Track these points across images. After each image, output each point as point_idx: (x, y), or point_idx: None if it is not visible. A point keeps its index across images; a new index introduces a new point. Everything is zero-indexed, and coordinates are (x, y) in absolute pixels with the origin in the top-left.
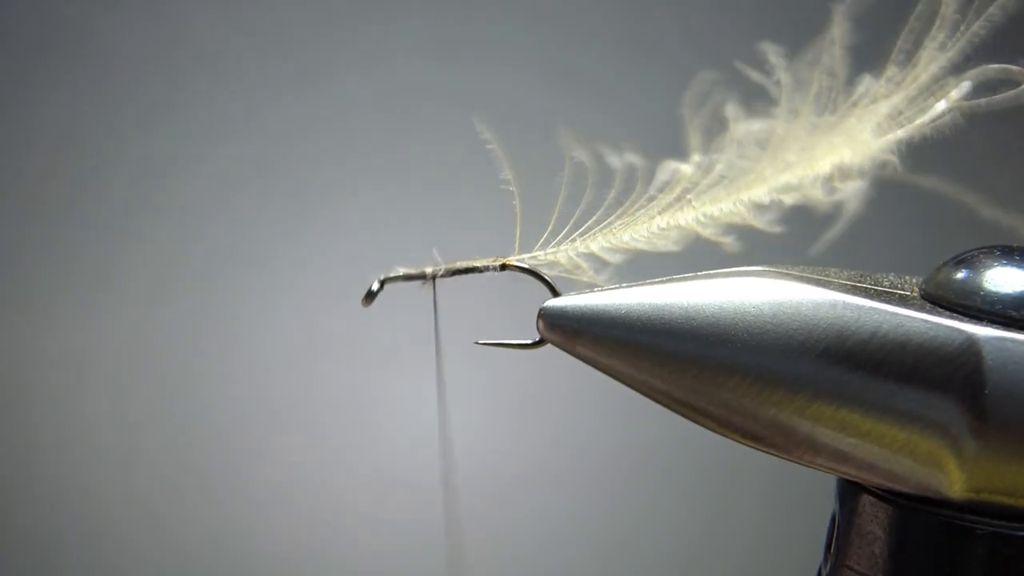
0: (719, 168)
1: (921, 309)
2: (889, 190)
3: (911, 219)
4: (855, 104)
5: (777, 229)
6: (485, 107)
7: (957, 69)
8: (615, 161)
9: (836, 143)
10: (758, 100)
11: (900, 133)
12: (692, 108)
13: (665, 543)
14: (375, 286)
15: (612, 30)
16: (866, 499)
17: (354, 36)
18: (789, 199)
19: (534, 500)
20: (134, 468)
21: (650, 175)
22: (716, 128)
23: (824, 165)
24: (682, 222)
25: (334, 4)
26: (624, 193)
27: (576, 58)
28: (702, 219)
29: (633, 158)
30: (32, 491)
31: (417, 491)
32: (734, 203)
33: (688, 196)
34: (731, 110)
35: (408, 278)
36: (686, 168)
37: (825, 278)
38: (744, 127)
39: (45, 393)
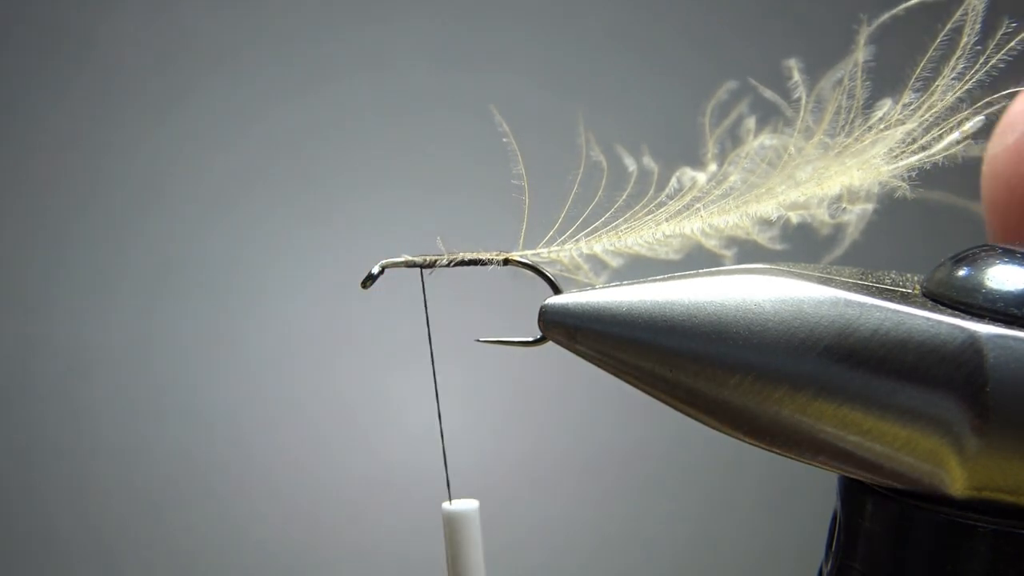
0: (732, 179)
1: (923, 307)
2: (891, 189)
3: (912, 217)
4: (870, 128)
5: (779, 246)
6: (488, 109)
7: (974, 99)
8: (631, 163)
9: (848, 165)
10: (774, 115)
11: (912, 160)
12: (711, 118)
13: (666, 541)
14: (375, 270)
15: (620, 35)
16: (868, 497)
17: (362, 39)
18: (796, 217)
19: (534, 496)
20: (134, 464)
21: (663, 181)
22: (731, 140)
23: (834, 186)
24: (687, 231)
25: (340, 8)
26: (635, 197)
27: (581, 62)
28: (707, 230)
29: (649, 162)
30: (33, 486)
31: (415, 487)
32: (741, 216)
33: (697, 206)
34: (750, 124)
35: (409, 264)
36: (701, 177)
37: (827, 276)
38: (759, 142)
39: (47, 389)
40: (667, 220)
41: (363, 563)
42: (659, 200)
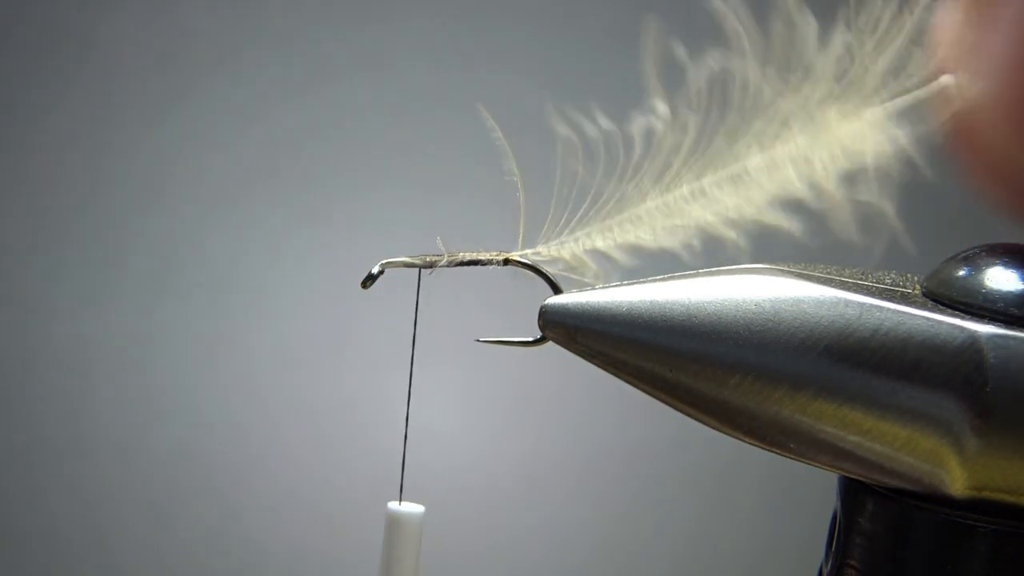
0: (692, 122)
1: (923, 307)
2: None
3: (912, 217)
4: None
5: (791, 226)
6: (487, 109)
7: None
8: (591, 129)
9: (829, 117)
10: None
11: (904, 100)
12: (649, 56)
13: (665, 542)
14: (376, 269)
15: (621, 35)
16: (868, 497)
17: (362, 39)
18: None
19: (533, 497)
20: (134, 464)
21: (630, 141)
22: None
23: (825, 140)
24: (689, 222)
25: (340, 9)
26: (613, 169)
27: (581, 62)
28: (710, 218)
29: (606, 121)
30: (33, 485)
31: (415, 487)
32: (740, 200)
33: (675, 165)
34: (680, 52)
35: (409, 264)
36: (654, 120)
37: (826, 275)
38: (707, 66)
39: (47, 390)
40: (655, 187)
41: (365, 562)
42: (635, 163)
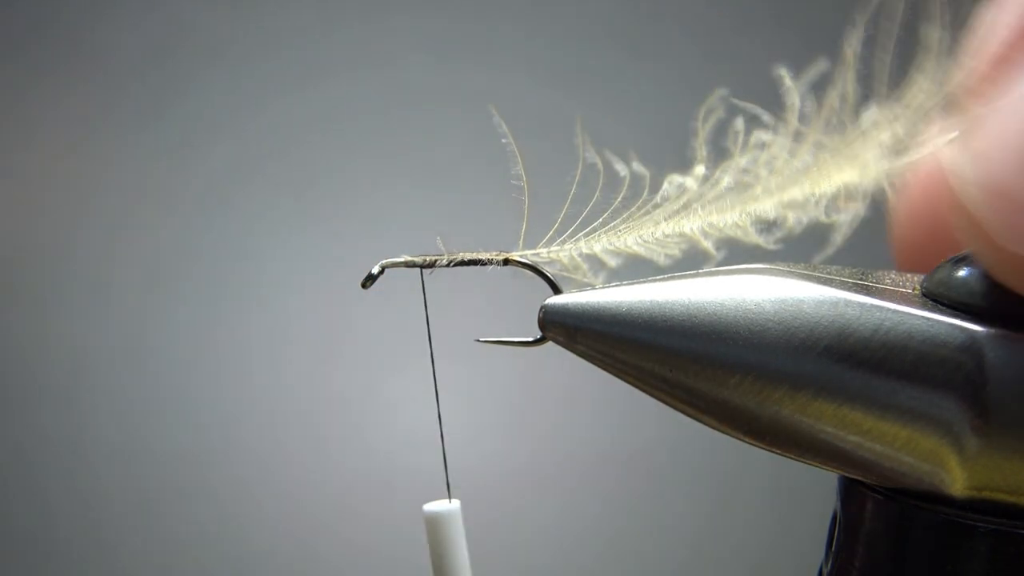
0: (725, 182)
1: (923, 307)
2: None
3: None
4: (863, 132)
5: (777, 247)
6: (488, 107)
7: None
8: (622, 168)
9: (842, 165)
10: (770, 114)
11: (910, 157)
12: (703, 121)
13: (666, 542)
14: (375, 270)
15: (618, 31)
16: (868, 497)
17: (362, 36)
18: (792, 217)
19: (533, 497)
20: (134, 464)
21: (656, 183)
22: (724, 144)
23: (831, 185)
24: (686, 230)
25: (339, 5)
26: (631, 199)
27: (581, 59)
28: (707, 228)
29: (639, 167)
30: (33, 486)
31: (414, 487)
32: (740, 214)
33: (695, 205)
34: (738, 126)
35: (409, 264)
36: (691, 182)
37: (827, 276)
38: (754, 138)
39: (47, 389)
40: (665, 220)
41: (364, 563)
42: (654, 202)
